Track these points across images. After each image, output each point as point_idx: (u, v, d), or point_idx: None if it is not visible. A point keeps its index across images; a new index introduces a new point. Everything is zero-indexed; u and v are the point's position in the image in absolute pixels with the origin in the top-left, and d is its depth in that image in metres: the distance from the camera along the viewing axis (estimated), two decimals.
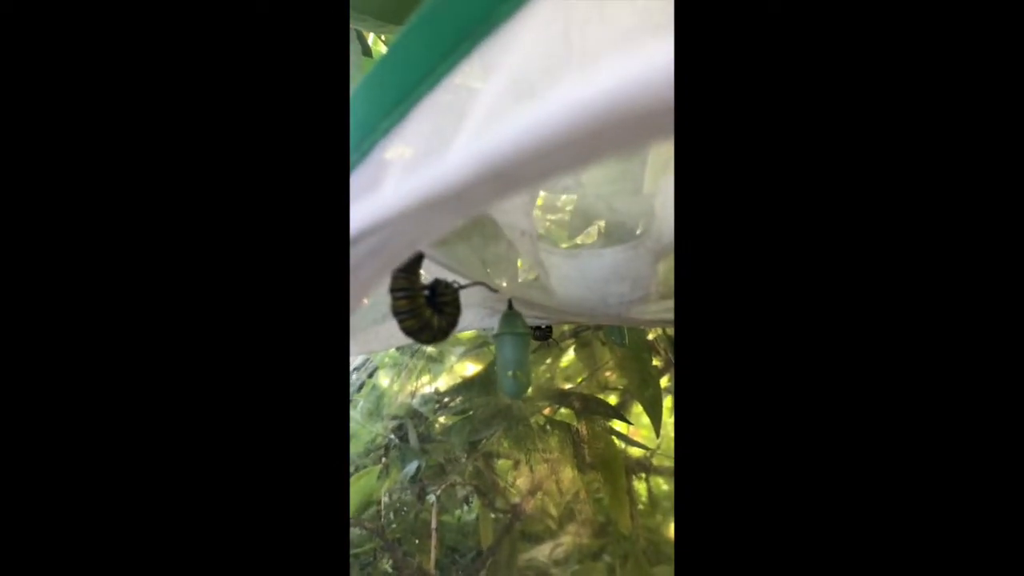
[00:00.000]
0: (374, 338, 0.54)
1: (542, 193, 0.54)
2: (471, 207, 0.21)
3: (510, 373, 0.41)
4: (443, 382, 1.27)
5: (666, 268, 0.42)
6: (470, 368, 1.27)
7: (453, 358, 1.26)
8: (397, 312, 0.35)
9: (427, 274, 0.39)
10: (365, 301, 0.38)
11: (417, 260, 0.37)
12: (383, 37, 0.88)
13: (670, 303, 0.46)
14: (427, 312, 0.36)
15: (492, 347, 1.22)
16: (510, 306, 0.42)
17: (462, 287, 0.40)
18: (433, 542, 0.98)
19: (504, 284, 0.43)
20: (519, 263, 0.44)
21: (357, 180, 0.29)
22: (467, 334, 1.30)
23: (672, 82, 0.14)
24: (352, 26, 0.69)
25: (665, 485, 1.20)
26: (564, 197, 0.55)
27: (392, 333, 0.56)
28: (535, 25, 0.20)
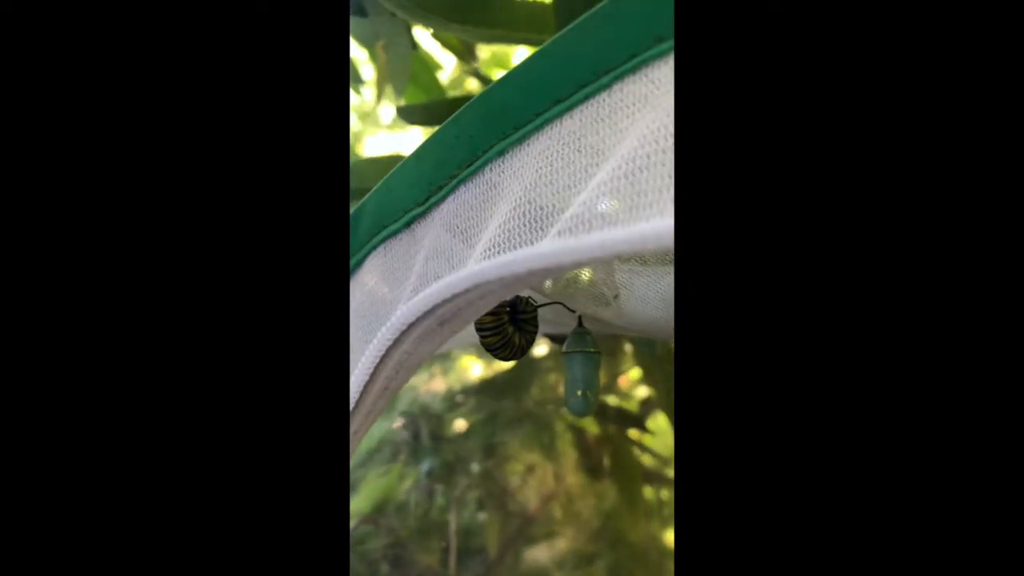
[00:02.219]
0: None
1: None
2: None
3: (579, 392, 0.40)
4: (455, 381, 1.26)
5: None
6: (476, 368, 1.25)
7: (464, 358, 1.26)
8: (480, 328, 0.35)
9: None
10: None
11: None
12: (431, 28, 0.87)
13: None
14: (509, 329, 0.35)
15: None
16: (580, 323, 0.41)
17: (541, 305, 0.39)
18: (452, 545, 0.98)
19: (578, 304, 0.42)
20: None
21: (466, 197, 0.28)
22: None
23: None
24: (406, 18, 0.67)
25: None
26: None
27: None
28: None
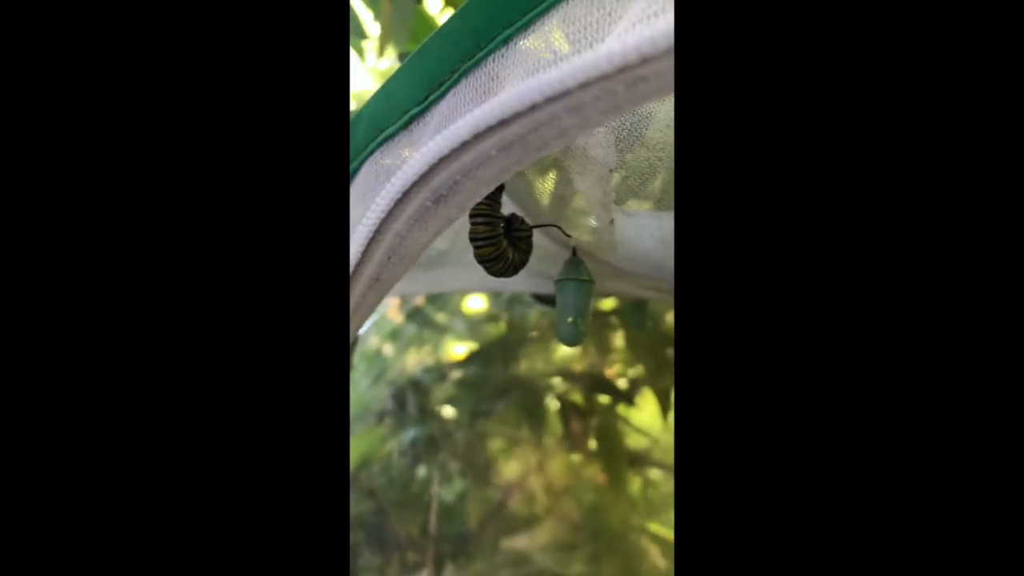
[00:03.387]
0: (413, 284, 0.52)
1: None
2: (633, 90, 0.20)
3: (569, 319, 0.40)
4: (445, 355, 1.26)
5: None
6: (463, 348, 1.25)
7: (460, 330, 1.25)
8: (475, 238, 0.34)
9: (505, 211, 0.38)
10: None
11: (498, 191, 0.35)
12: None
13: None
14: (503, 243, 0.35)
15: (499, 322, 1.21)
16: (574, 253, 0.41)
17: (537, 225, 0.39)
18: (433, 508, 0.97)
19: (574, 233, 0.42)
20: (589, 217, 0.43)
21: (466, 91, 0.27)
22: (477, 310, 1.29)
23: None
24: None
25: (661, 478, 1.20)
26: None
27: (438, 279, 0.54)
28: None
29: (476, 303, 1.24)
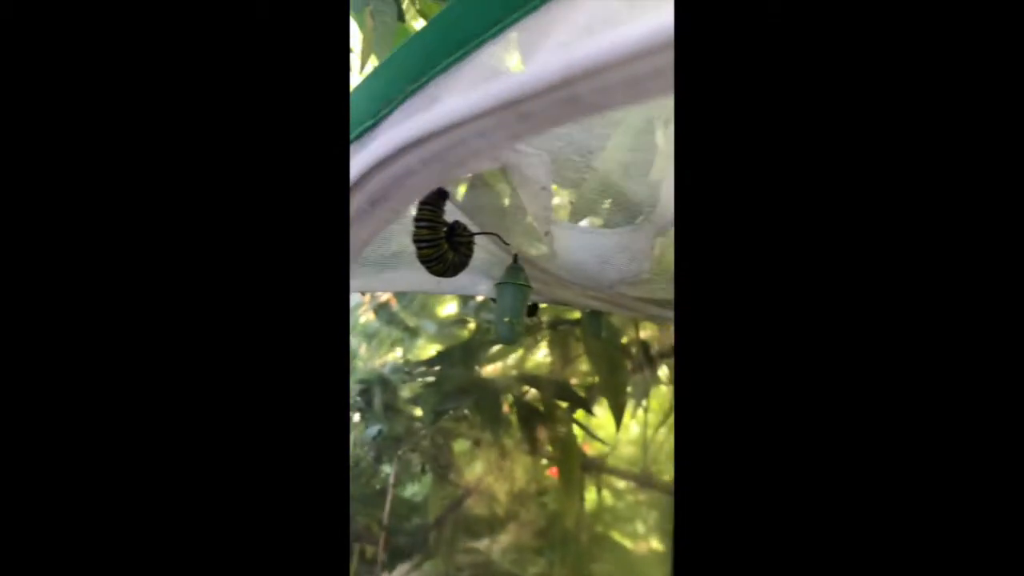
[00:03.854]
0: (376, 280, 0.56)
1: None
2: (522, 124, 0.24)
3: (507, 319, 0.44)
4: (414, 355, 1.30)
5: (661, 247, 0.46)
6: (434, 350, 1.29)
7: (430, 332, 1.29)
8: (418, 240, 0.38)
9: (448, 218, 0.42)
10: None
11: (442, 196, 0.40)
12: (417, 5, 0.91)
13: (660, 283, 0.50)
14: (444, 245, 0.39)
15: (469, 326, 1.25)
16: (515, 260, 0.46)
17: (478, 233, 0.43)
18: (387, 503, 1.00)
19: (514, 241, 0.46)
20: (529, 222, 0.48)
21: (413, 104, 0.32)
22: (448, 314, 1.33)
23: None
24: None
25: (617, 484, 1.25)
26: (570, 190, 0.58)
27: (394, 278, 0.58)
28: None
29: (450, 308, 1.28)
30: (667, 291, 0.51)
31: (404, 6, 0.86)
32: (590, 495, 1.20)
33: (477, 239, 0.42)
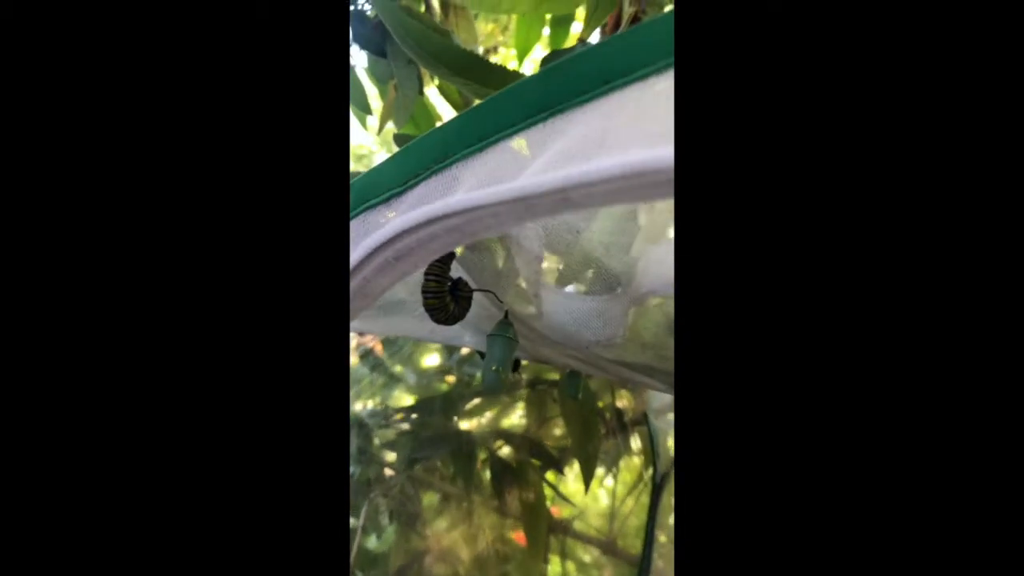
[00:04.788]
0: (375, 323, 0.62)
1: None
2: (527, 212, 0.31)
3: (494, 368, 0.49)
4: (393, 403, 1.32)
5: (634, 315, 0.52)
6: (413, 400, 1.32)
7: (411, 382, 1.33)
8: (425, 291, 0.44)
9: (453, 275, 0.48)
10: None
11: (450, 257, 0.46)
12: (435, 81, 1.01)
13: (632, 348, 0.56)
14: (448, 298, 0.45)
15: (448, 378, 1.29)
16: (506, 316, 0.52)
17: (476, 290, 0.49)
18: (354, 547, 1.01)
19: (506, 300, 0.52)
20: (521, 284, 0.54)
21: (435, 185, 0.39)
22: (431, 365, 1.37)
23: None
24: (421, 67, 0.81)
25: (583, 557, 1.25)
26: (558, 256, 0.65)
27: (392, 323, 0.64)
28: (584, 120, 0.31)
29: (432, 360, 1.32)
30: (637, 355, 0.57)
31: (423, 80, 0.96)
32: (554, 566, 1.21)
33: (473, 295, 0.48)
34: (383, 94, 0.97)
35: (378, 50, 0.83)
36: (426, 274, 0.45)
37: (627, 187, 0.26)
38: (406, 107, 0.85)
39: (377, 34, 0.82)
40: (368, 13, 0.84)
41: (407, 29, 0.63)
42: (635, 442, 1.20)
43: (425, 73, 0.89)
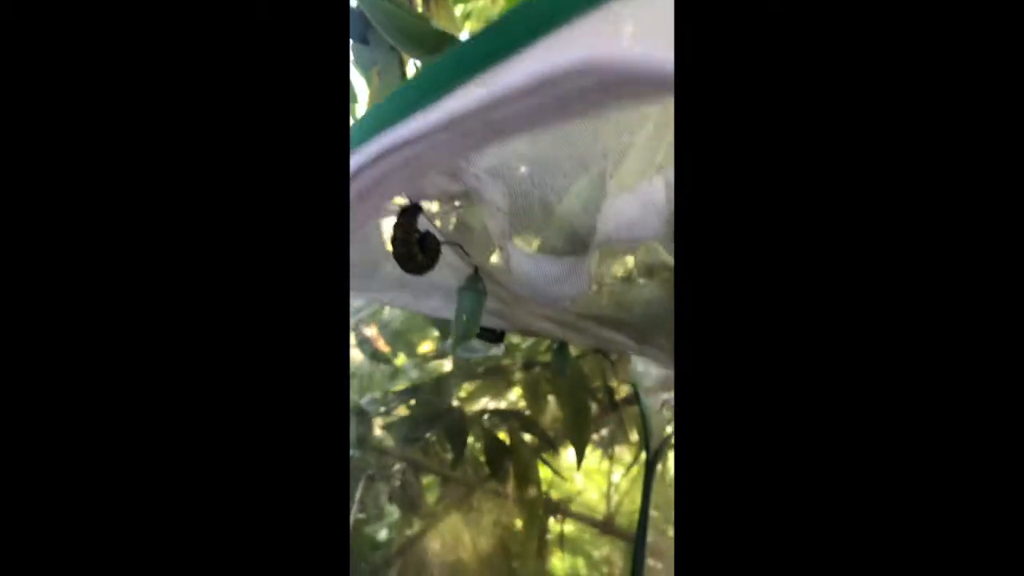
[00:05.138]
0: (372, 281, 0.65)
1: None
2: (462, 141, 0.33)
3: (464, 318, 0.52)
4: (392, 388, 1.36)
5: (596, 260, 0.55)
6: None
7: (408, 370, 1.36)
8: (393, 239, 0.47)
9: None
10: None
11: (416, 208, 0.49)
12: (418, 66, 1.04)
13: (600, 298, 0.58)
14: (416, 248, 0.48)
15: (444, 360, 1.32)
16: (476, 271, 0.55)
17: (444, 242, 0.52)
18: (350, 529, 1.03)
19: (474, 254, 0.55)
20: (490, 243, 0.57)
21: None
22: (427, 351, 1.40)
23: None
24: (401, 52, 0.85)
25: (572, 528, 1.27)
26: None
27: (384, 280, 0.67)
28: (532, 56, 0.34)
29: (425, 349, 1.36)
30: (606, 307, 0.59)
31: (407, 67, 0.99)
32: (552, 547, 1.23)
33: (446, 273, 0.52)
34: (369, 82, 1.00)
35: (360, 38, 0.86)
36: (394, 227, 0.48)
37: (547, 103, 0.28)
38: (388, 92, 0.89)
39: (360, 22, 0.86)
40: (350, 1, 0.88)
41: (386, 14, 0.67)
42: (628, 421, 1.21)
43: (408, 59, 0.92)
